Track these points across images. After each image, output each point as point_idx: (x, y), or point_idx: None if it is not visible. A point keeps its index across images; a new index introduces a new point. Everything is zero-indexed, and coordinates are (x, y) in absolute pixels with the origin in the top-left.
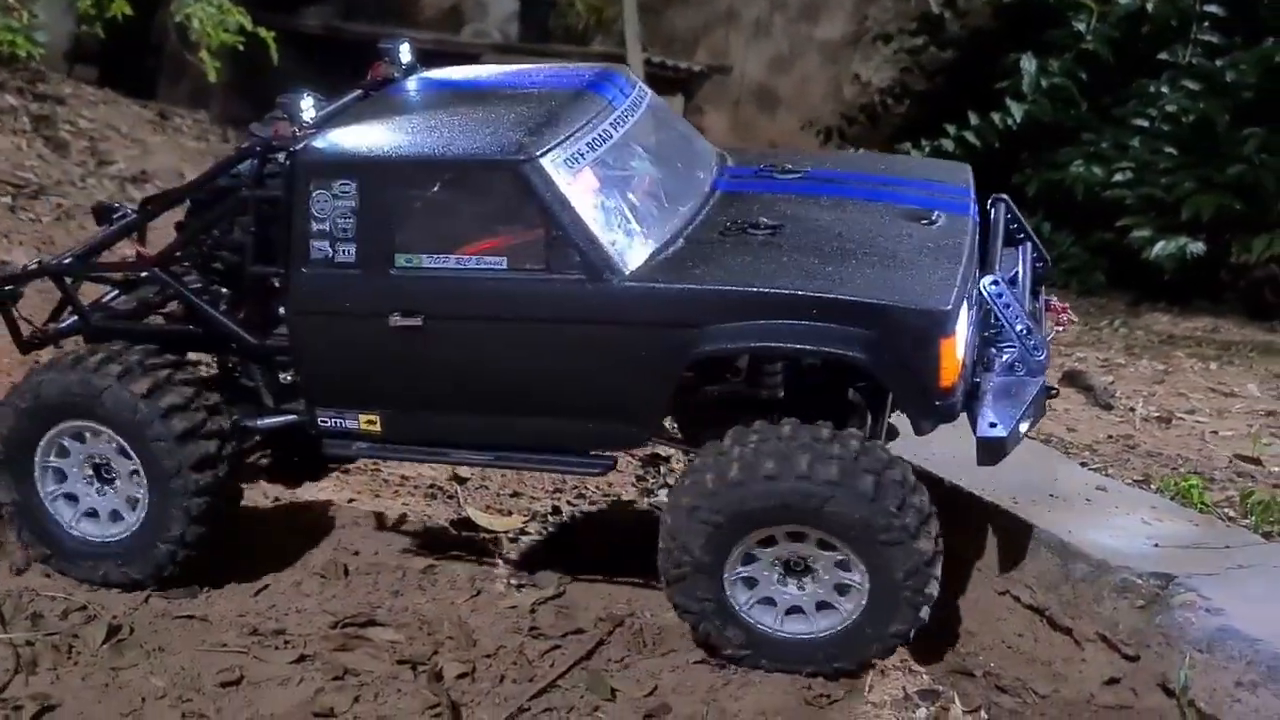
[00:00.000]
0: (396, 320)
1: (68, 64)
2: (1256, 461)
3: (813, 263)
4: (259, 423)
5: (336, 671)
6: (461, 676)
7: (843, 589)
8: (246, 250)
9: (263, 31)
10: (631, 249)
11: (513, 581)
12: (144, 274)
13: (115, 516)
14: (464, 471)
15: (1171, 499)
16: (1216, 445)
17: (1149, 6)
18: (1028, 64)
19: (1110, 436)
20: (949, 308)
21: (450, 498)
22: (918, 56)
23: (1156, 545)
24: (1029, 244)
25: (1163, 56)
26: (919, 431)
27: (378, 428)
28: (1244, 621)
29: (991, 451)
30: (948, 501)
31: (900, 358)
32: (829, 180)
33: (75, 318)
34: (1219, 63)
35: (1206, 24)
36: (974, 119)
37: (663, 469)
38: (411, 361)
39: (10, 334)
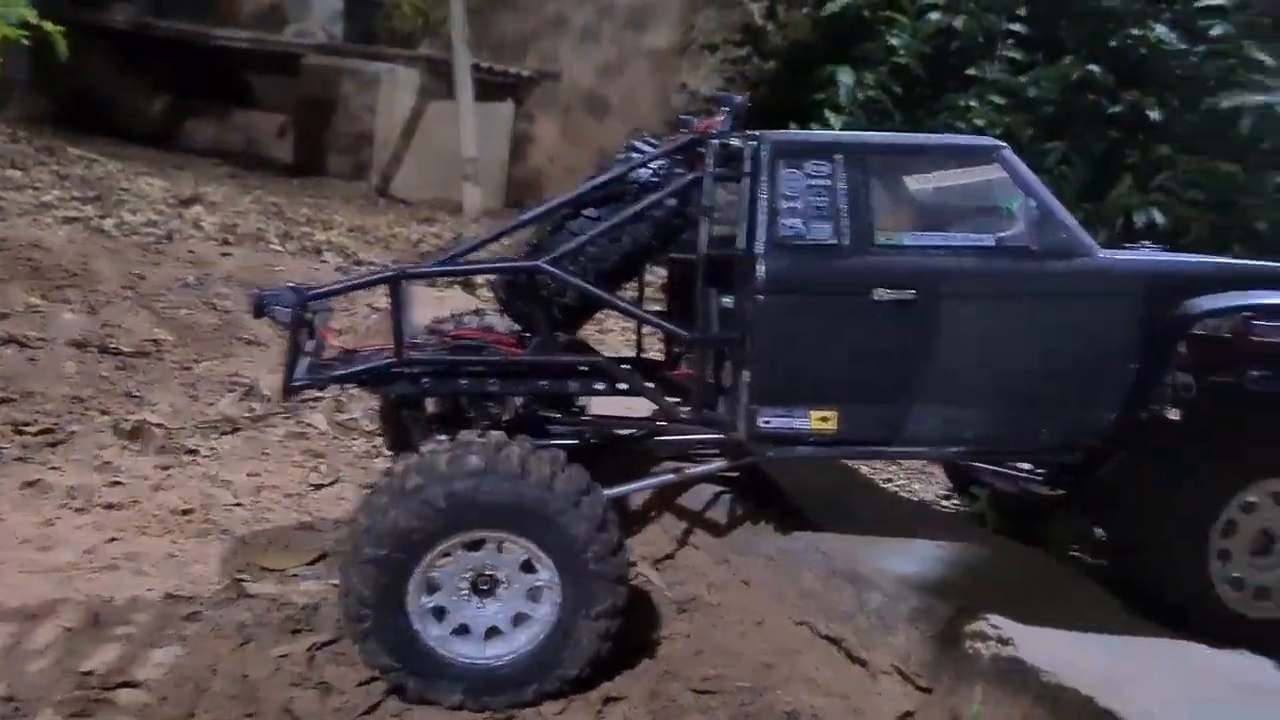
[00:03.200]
0: (883, 294)
1: None
2: None
3: None
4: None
5: None
6: None
7: None
8: (700, 234)
9: (48, 25)
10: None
11: (288, 627)
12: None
13: (493, 632)
14: (244, 502)
15: (970, 519)
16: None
17: (957, 23)
18: (845, 76)
19: None
20: None
21: (224, 533)
22: (741, 67)
23: (950, 570)
24: None
25: (971, 72)
26: None
27: (832, 425)
28: (1034, 653)
29: None
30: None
31: None
32: None
33: (375, 354)
34: (1022, 79)
35: (1010, 41)
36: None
37: None
38: (887, 344)
39: (285, 369)
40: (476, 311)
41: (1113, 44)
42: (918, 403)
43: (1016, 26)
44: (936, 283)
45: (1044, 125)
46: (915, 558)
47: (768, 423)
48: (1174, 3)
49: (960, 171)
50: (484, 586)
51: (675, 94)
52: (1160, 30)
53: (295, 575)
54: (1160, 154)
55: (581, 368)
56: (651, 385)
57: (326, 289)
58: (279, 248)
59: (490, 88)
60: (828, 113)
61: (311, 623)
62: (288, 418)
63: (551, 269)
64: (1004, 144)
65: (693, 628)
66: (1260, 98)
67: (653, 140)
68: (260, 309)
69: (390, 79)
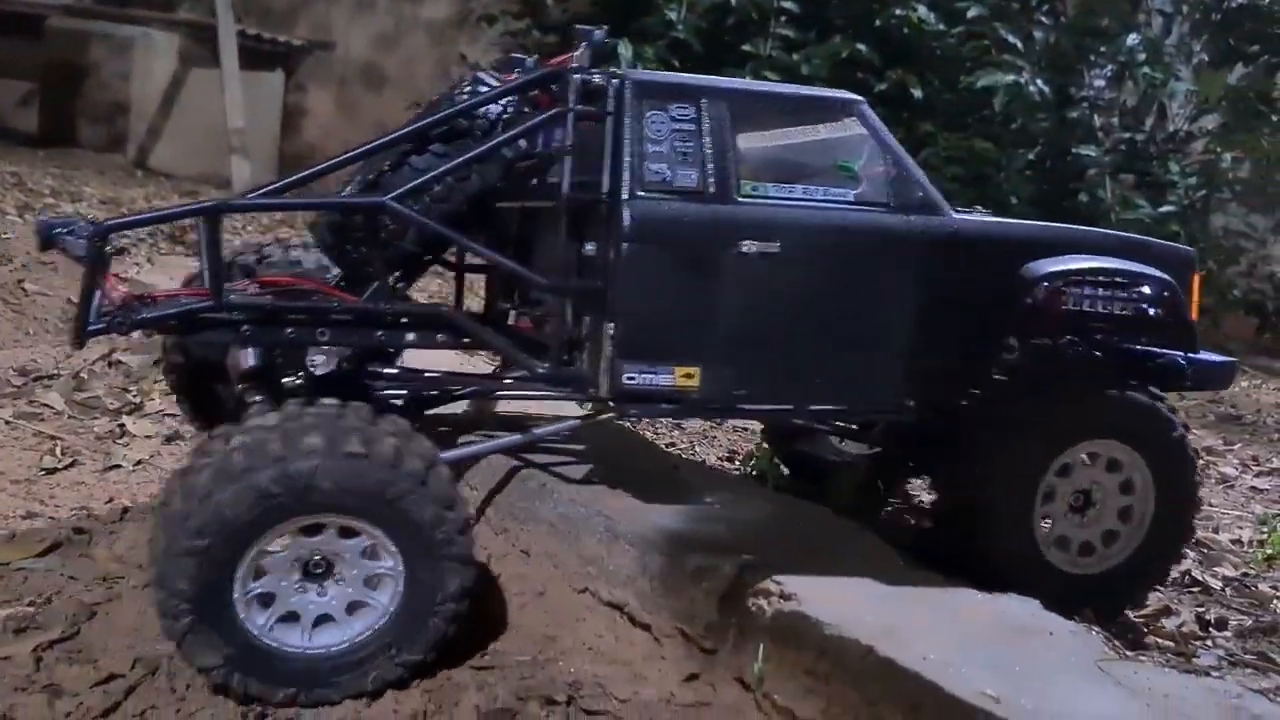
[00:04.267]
0: (750, 247)
1: None
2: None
3: None
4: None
5: None
6: None
7: None
8: (562, 175)
9: None
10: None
11: (12, 626)
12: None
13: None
14: None
15: (750, 476)
16: None
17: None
18: (624, 50)
19: None
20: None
21: None
22: (522, 40)
23: (733, 528)
24: None
25: (747, 48)
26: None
27: (695, 383)
28: (815, 608)
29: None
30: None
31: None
32: None
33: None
34: (795, 56)
35: (784, 19)
36: None
37: None
38: (751, 298)
39: (79, 313)
40: (257, 257)
41: (878, 24)
42: (780, 361)
43: (789, 4)
44: (802, 236)
45: None
46: (698, 517)
47: (631, 379)
48: None
49: (819, 125)
50: (318, 570)
51: (455, 66)
52: (921, 11)
53: (21, 569)
54: (923, 131)
55: (422, 317)
56: (503, 338)
57: (131, 219)
58: (15, 219)
59: (258, 56)
60: None
61: (39, 620)
62: (18, 397)
63: (398, 206)
64: (862, 99)
65: (470, 602)
66: (1010, 77)
67: (500, 77)
68: (48, 239)
69: (146, 44)
